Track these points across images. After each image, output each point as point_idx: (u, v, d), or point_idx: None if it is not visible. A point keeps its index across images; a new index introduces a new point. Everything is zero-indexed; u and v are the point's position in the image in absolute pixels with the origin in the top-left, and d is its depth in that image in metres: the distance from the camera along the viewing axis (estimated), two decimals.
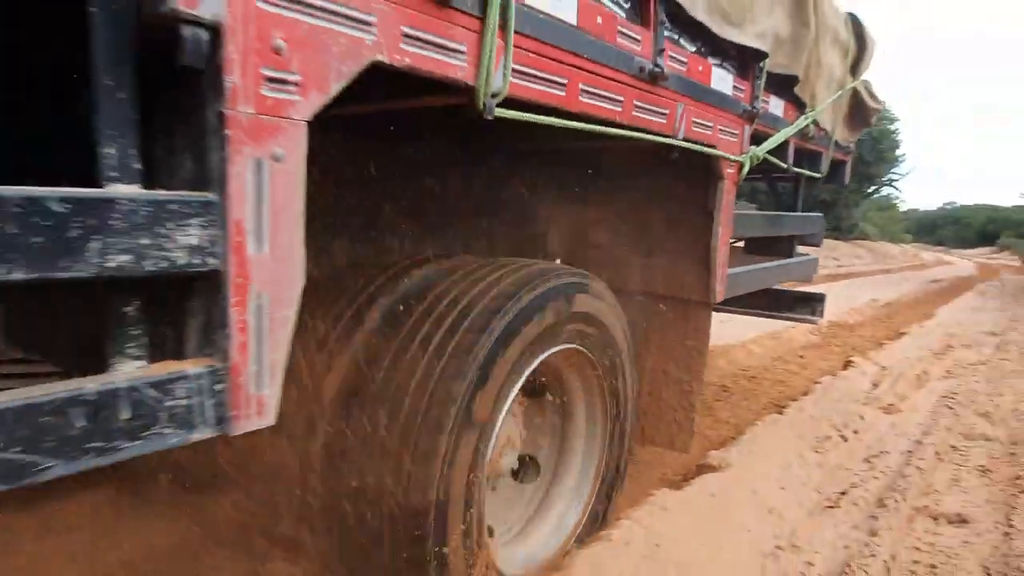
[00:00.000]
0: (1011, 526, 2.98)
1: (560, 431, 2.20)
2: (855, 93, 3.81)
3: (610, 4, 1.78)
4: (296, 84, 1.02)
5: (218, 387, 0.99)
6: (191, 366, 0.97)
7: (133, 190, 0.90)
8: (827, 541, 2.70)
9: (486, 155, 2.60)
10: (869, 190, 26.18)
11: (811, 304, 4.07)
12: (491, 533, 1.85)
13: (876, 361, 5.99)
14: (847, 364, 5.72)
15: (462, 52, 1.31)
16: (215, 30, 0.90)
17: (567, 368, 2.05)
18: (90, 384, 0.86)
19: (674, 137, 2.14)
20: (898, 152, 24.31)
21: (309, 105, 1.04)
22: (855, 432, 4.06)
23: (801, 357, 6.20)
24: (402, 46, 1.19)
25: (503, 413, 1.67)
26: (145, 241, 0.87)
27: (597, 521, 2.26)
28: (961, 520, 3.02)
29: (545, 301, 1.73)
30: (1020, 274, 24.55)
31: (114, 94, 0.88)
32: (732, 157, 2.53)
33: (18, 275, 0.77)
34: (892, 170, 26.05)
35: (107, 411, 0.87)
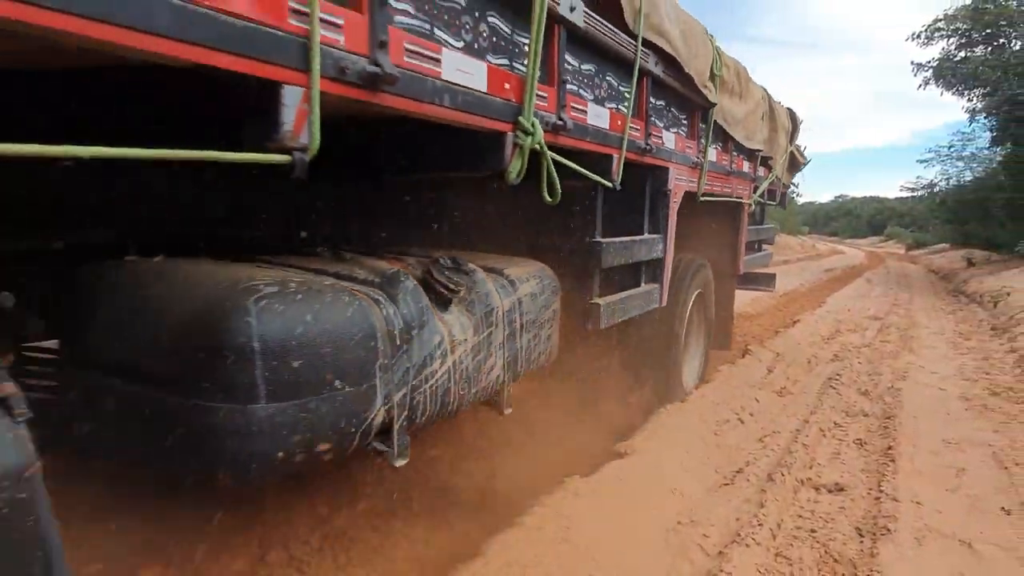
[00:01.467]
0: (881, 491, 3.36)
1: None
2: (792, 154, 6.66)
3: (717, 145, 4.49)
4: (676, 199, 3.83)
5: (659, 292, 3.79)
6: (654, 287, 3.75)
7: (649, 236, 3.59)
8: (721, 515, 2.98)
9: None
10: None
11: (768, 279, 6.91)
12: None
13: (772, 348, 6.49)
14: (745, 352, 6.15)
15: (695, 180, 4.11)
16: (673, 190, 3.76)
17: (694, 301, 4.72)
18: (645, 288, 3.66)
19: (732, 196, 5.03)
20: None
21: (677, 204, 3.84)
22: (751, 415, 4.44)
23: None
24: (684, 183, 3.98)
25: (689, 307, 4.50)
26: (653, 248, 3.64)
27: (705, 368, 5.41)
28: (839, 488, 3.39)
29: (699, 268, 4.65)
30: (903, 261, 26.64)
31: (648, 207, 3.62)
32: (748, 202, 5.51)
33: (637, 259, 3.51)
34: None
35: (646, 299, 3.66)
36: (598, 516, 2.77)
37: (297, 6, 1.38)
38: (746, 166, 5.33)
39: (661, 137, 3.55)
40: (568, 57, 2.55)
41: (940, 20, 22.24)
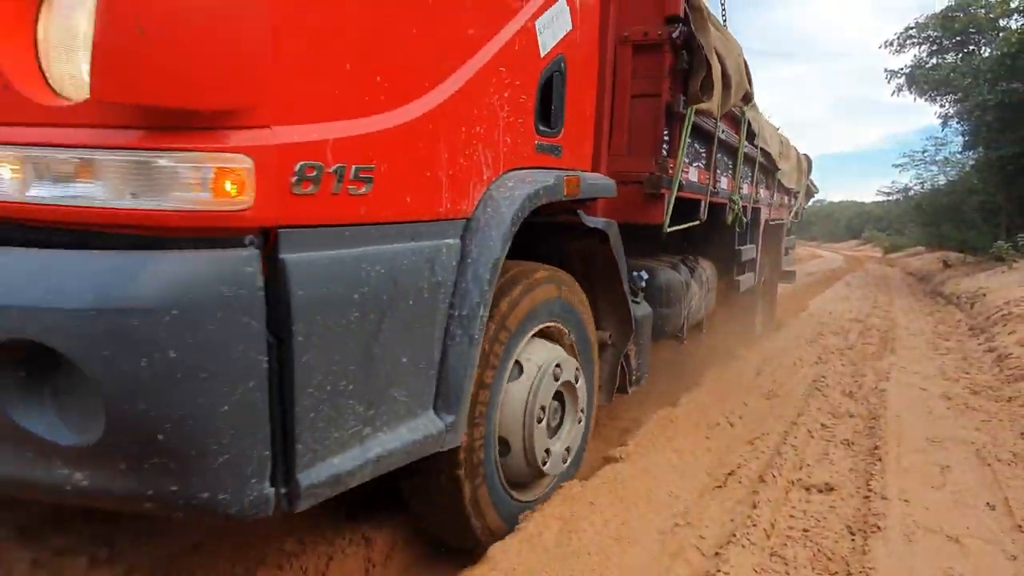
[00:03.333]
0: (870, 490, 3.42)
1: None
2: (807, 185, 9.57)
3: (776, 190, 7.43)
4: (762, 224, 6.74)
5: (754, 278, 6.57)
6: (752, 274, 6.46)
7: (750, 246, 6.20)
8: (716, 516, 3.03)
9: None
10: None
11: (791, 275, 9.46)
12: None
13: (758, 352, 6.54)
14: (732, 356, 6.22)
15: (769, 212, 7.11)
16: (762, 219, 6.78)
17: (762, 285, 7.59)
18: (749, 275, 6.37)
19: (781, 220, 8.21)
20: None
21: (762, 227, 6.74)
22: (740, 418, 4.49)
23: None
24: (765, 215, 6.88)
25: (760, 288, 7.45)
26: (752, 253, 6.31)
27: (764, 327, 8.07)
28: (829, 488, 3.43)
29: (764, 265, 7.16)
30: (881, 264, 27.05)
31: (750, 230, 6.20)
32: (786, 221, 8.55)
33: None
34: None
35: (750, 281, 6.46)
36: (596, 520, 2.80)
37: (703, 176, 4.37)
38: (786, 199, 8.37)
39: (761, 192, 6.45)
40: (743, 168, 5.48)
41: (911, 28, 22.74)
